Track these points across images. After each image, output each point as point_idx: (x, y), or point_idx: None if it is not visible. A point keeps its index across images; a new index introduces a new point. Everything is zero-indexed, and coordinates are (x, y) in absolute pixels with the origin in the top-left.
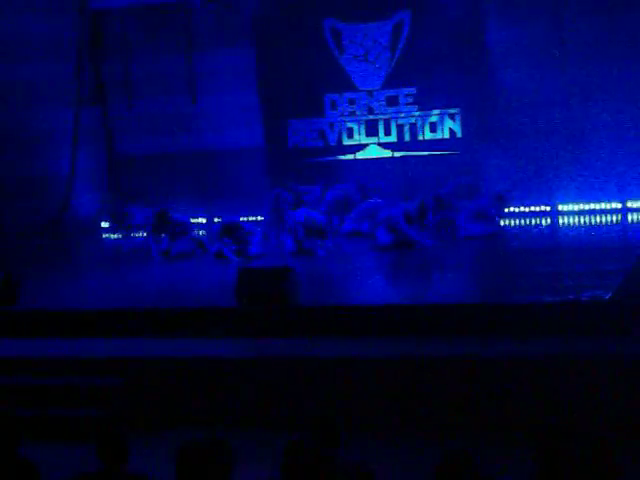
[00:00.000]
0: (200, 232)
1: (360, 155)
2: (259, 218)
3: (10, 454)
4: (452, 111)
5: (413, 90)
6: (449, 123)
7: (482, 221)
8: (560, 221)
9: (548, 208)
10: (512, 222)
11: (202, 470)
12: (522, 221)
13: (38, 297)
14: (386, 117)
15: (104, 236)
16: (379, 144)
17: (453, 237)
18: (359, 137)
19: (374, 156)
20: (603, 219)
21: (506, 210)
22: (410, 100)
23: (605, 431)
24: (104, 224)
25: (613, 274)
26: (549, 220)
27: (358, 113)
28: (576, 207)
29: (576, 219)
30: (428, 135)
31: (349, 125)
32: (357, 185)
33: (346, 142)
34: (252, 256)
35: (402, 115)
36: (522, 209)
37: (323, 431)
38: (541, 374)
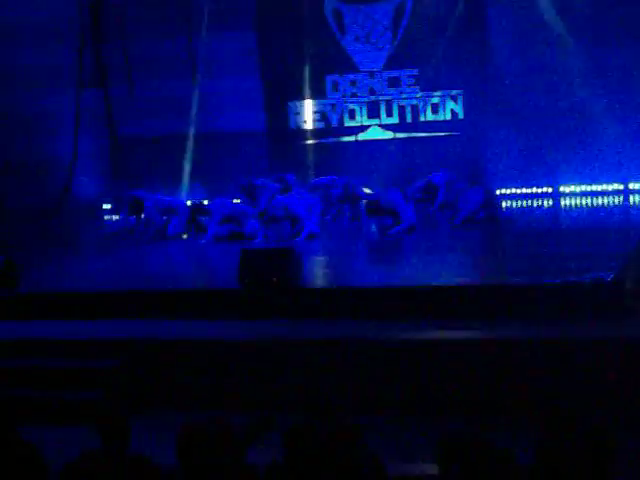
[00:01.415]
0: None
1: (362, 137)
2: None
3: (11, 436)
4: (454, 92)
5: (415, 71)
6: (451, 104)
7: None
8: (562, 203)
9: (550, 190)
10: (514, 204)
11: (203, 451)
12: (524, 203)
13: (39, 280)
14: (388, 98)
15: (106, 218)
16: (381, 125)
17: (452, 221)
18: (361, 118)
19: (376, 137)
20: (605, 201)
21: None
22: (412, 81)
23: (608, 414)
24: (105, 205)
25: (615, 256)
26: (551, 202)
27: (360, 94)
28: (578, 189)
29: (578, 201)
30: (430, 117)
31: (351, 107)
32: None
33: (348, 124)
34: (250, 237)
35: (404, 96)
36: (524, 191)
37: (324, 415)
38: (543, 356)
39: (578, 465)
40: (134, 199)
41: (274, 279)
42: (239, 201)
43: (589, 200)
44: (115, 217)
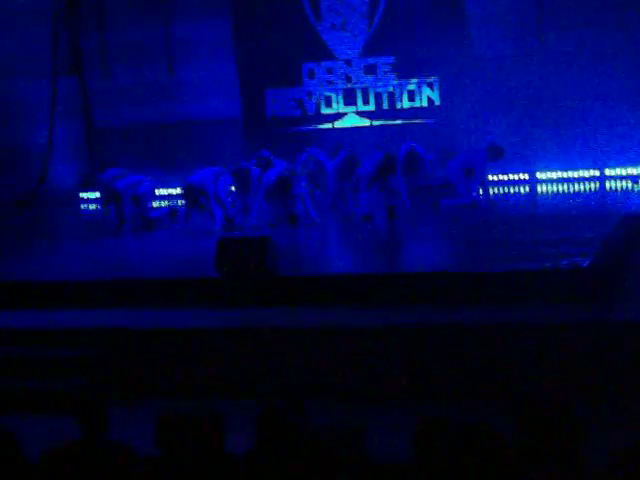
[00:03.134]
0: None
1: (338, 124)
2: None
3: None
4: (430, 80)
5: (391, 59)
6: (427, 91)
7: (471, 177)
8: (539, 189)
9: (527, 176)
10: (491, 190)
11: (182, 439)
12: (501, 189)
13: (16, 269)
14: (364, 86)
15: (82, 207)
16: (357, 113)
17: (435, 205)
18: (337, 106)
19: (352, 125)
20: (581, 187)
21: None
22: (388, 69)
23: (582, 396)
24: (82, 194)
25: (591, 241)
26: (527, 188)
27: (336, 82)
28: (554, 175)
29: (554, 187)
30: (406, 104)
31: (327, 94)
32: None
33: (324, 111)
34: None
35: (380, 84)
36: (501, 177)
37: (289, 399)
38: (520, 342)
39: (552, 445)
40: (109, 190)
41: (251, 266)
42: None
43: (565, 186)
44: (92, 206)
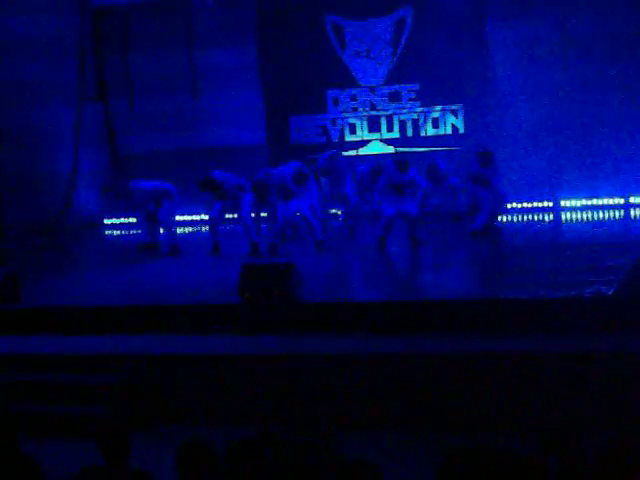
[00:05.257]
0: (203, 228)
1: (363, 151)
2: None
3: (11, 450)
4: (454, 107)
5: (415, 86)
6: (451, 119)
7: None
8: (563, 217)
9: (550, 204)
10: (514, 218)
11: (203, 467)
12: (524, 217)
13: (40, 295)
14: (388, 113)
15: (106, 233)
16: (381, 140)
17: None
18: (361, 133)
19: (377, 152)
20: (606, 215)
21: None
22: (412, 96)
23: (607, 427)
24: (107, 220)
25: (616, 270)
26: (551, 216)
27: (360, 109)
28: (579, 203)
29: (579, 215)
30: (430, 131)
31: (351, 121)
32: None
33: (348, 138)
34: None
35: (404, 111)
36: (524, 205)
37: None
38: (543, 371)
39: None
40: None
41: (274, 293)
42: None
43: (590, 214)
44: (116, 232)
